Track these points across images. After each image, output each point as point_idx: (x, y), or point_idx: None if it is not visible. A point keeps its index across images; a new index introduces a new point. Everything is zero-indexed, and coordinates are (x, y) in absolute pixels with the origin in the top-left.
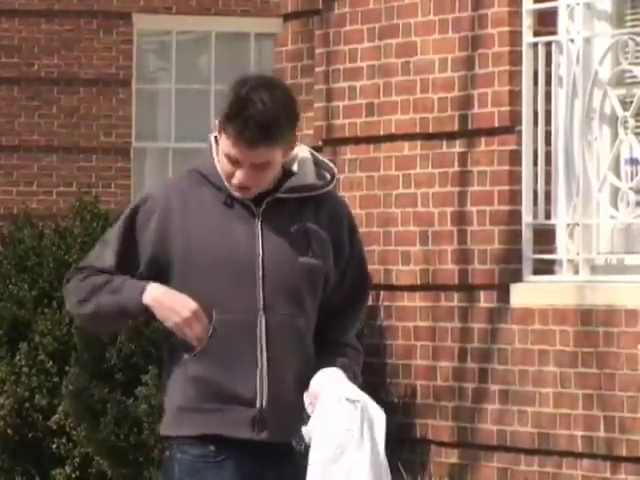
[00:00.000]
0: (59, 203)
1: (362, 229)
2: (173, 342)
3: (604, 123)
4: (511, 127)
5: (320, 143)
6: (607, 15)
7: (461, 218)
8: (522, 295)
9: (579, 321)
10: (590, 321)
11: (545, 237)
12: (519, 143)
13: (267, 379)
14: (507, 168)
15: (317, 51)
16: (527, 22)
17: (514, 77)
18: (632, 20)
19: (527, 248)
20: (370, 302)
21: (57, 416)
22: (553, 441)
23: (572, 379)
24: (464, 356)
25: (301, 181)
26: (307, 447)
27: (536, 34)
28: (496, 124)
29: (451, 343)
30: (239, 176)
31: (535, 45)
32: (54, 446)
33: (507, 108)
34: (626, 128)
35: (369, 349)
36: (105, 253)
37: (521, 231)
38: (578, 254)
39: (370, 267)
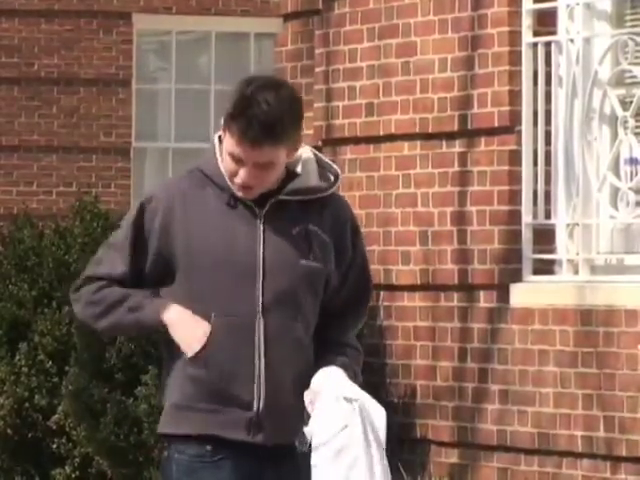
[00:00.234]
0: (59, 203)
1: (362, 229)
2: (172, 342)
3: (604, 123)
4: (511, 127)
5: (320, 143)
6: (607, 15)
7: (461, 218)
8: (522, 295)
9: (579, 321)
10: (590, 321)
11: (545, 237)
12: (519, 143)
13: (265, 382)
14: (507, 168)
15: (317, 51)
16: (527, 22)
17: (514, 77)
18: (632, 20)
19: (527, 248)
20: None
21: (57, 416)
22: (553, 441)
23: (572, 379)
24: (464, 356)
25: (304, 183)
26: (310, 447)
27: (536, 34)
28: (496, 124)
29: (451, 343)
30: (242, 175)
31: (535, 45)
32: (54, 446)
33: (507, 108)
34: (626, 128)
35: (369, 349)
36: (116, 259)
37: (521, 231)
38: (578, 254)
39: (370, 267)
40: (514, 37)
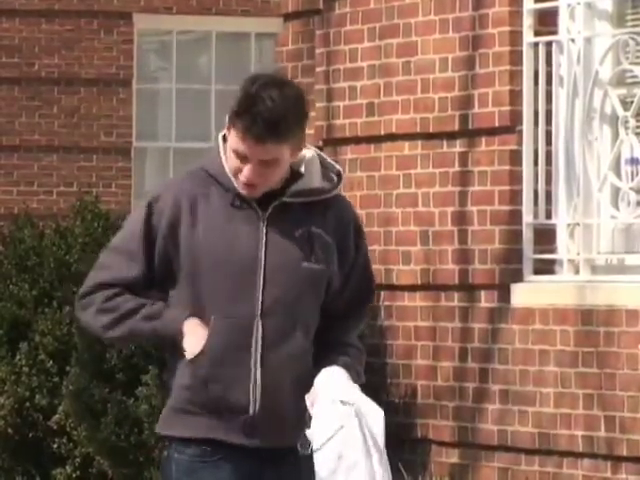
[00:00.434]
0: (59, 203)
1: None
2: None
3: (605, 123)
4: (512, 127)
5: (320, 143)
6: (608, 15)
7: (462, 218)
8: (523, 295)
9: (580, 321)
10: (591, 321)
11: (546, 237)
12: (520, 143)
13: (261, 386)
14: (508, 168)
15: (317, 51)
16: (528, 22)
17: (515, 77)
18: (633, 20)
19: (528, 248)
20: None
21: (57, 416)
22: (554, 441)
23: (573, 379)
24: (465, 356)
25: (307, 184)
26: (311, 450)
27: (537, 34)
28: (497, 124)
29: (452, 343)
30: (246, 173)
31: (536, 45)
32: (55, 446)
33: (508, 108)
34: (627, 128)
35: (370, 349)
36: (126, 262)
37: (522, 231)
38: (579, 254)
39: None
40: (515, 37)
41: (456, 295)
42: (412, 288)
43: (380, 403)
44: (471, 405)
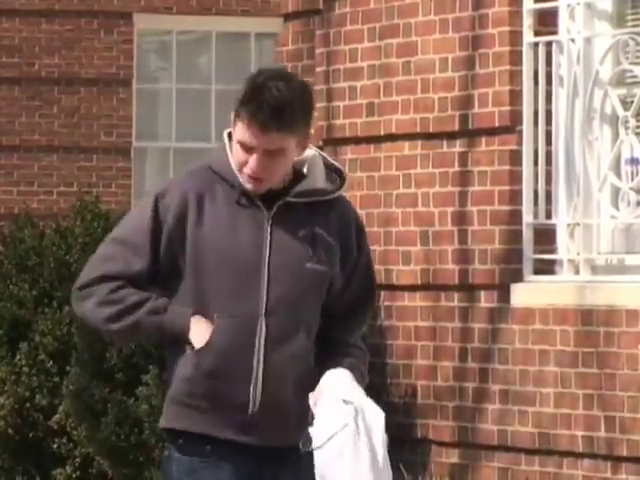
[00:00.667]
0: (60, 203)
1: None
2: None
3: (605, 123)
4: (512, 127)
5: (320, 143)
6: (608, 15)
7: (462, 218)
8: (523, 295)
9: (580, 321)
10: (591, 321)
11: (546, 237)
12: (520, 143)
13: (262, 385)
14: (508, 168)
15: (317, 51)
16: (528, 22)
17: (515, 77)
18: (633, 20)
19: (528, 248)
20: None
21: (58, 416)
22: (554, 441)
23: (573, 379)
24: (465, 356)
25: (311, 185)
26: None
27: (537, 34)
28: (497, 124)
29: (452, 343)
30: (251, 164)
31: (536, 45)
32: (55, 446)
33: (508, 108)
34: (627, 128)
35: (370, 349)
36: (131, 256)
37: (522, 231)
38: (579, 254)
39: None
40: (515, 37)
41: (456, 295)
42: (412, 288)
43: (380, 403)
44: (471, 405)
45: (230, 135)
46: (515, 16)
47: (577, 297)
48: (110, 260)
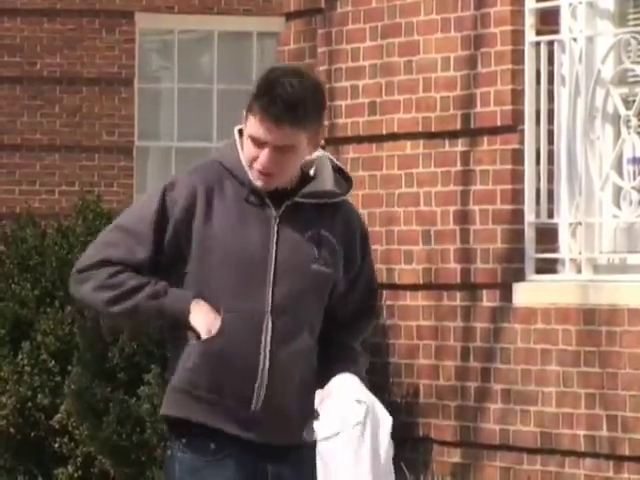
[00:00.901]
0: (61, 202)
1: None
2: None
3: (607, 122)
4: (513, 126)
5: (322, 142)
6: (610, 14)
7: (464, 217)
8: (525, 294)
9: (582, 320)
10: (593, 320)
11: (548, 236)
12: (521, 142)
13: (267, 382)
14: (510, 167)
15: (319, 50)
16: (529, 21)
17: (516, 76)
18: (635, 19)
19: (530, 247)
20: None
21: (59, 415)
22: (556, 440)
23: (575, 378)
24: (467, 355)
25: (320, 187)
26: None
27: (539, 33)
28: (498, 123)
29: (454, 342)
30: (262, 159)
31: (537, 44)
32: (56, 445)
33: (509, 107)
34: (629, 127)
35: (372, 348)
36: (134, 245)
37: (524, 230)
38: (581, 253)
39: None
40: (517, 36)
41: (458, 294)
42: (414, 287)
43: (382, 402)
44: (473, 404)
45: (241, 132)
46: (517, 15)
47: (579, 296)
48: (112, 246)
